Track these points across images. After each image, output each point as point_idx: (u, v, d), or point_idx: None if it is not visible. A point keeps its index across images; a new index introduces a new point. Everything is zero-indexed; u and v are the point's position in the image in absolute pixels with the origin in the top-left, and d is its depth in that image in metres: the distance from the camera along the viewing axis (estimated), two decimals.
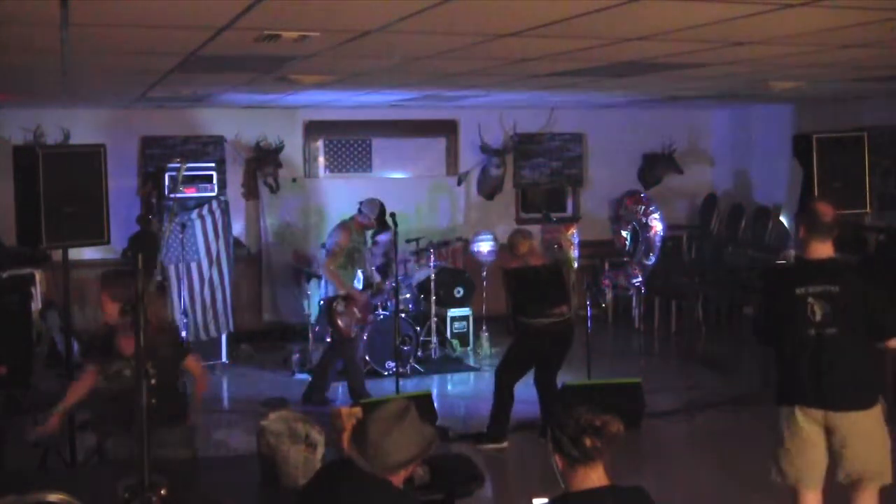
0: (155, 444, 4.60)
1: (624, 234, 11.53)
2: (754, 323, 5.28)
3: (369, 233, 8.83)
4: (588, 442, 2.96)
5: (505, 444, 7.15)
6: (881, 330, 4.71)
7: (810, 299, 4.59)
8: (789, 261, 8.78)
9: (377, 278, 8.71)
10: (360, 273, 8.71)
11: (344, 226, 8.29)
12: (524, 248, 7.18)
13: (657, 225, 11.17)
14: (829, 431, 4.65)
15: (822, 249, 4.67)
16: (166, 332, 4.82)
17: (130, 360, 4.59)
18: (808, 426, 4.66)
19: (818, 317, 4.58)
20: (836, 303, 4.58)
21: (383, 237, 9.25)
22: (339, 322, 8.02)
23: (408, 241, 10.15)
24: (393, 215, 7.98)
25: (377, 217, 8.25)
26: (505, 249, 7.55)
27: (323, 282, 8.49)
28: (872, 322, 4.64)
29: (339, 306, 8.05)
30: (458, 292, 10.34)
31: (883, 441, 4.70)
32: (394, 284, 8.23)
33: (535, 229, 9.92)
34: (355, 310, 8.10)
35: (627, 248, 11.48)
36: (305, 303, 9.75)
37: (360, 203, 8.35)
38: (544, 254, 7.62)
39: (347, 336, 8.07)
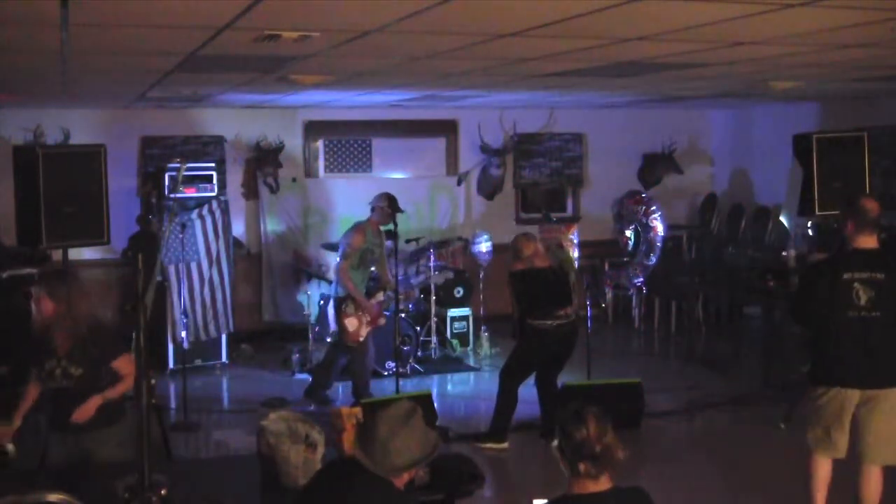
0: (92, 444, 4.62)
1: (627, 233, 11.53)
2: (792, 305, 5.53)
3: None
4: (583, 467, 2.98)
5: (505, 445, 7.13)
6: None
7: (856, 284, 4.91)
8: (790, 261, 8.78)
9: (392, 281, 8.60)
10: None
11: (359, 227, 8.14)
12: (529, 250, 7.17)
13: (658, 225, 11.18)
14: (861, 405, 4.95)
15: (869, 241, 5.00)
16: (100, 333, 4.69)
17: (61, 359, 4.58)
18: (847, 405, 4.96)
19: (863, 301, 4.89)
20: (880, 289, 4.90)
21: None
22: (346, 324, 7.97)
23: (408, 241, 10.15)
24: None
25: (389, 205, 8.04)
26: (509, 252, 7.51)
27: (334, 282, 8.38)
28: None
29: (349, 308, 7.97)
30: (458, 292, 10.35)
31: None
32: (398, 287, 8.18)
33: (534, 229, 9.93)
34: (363, 313, 8.07)
35: (630, 248, 11.48)
36: (305, 302, 9.74)
37: (370, 203, 8.30)
38: (547, 255, 7.60)
39: (355, 341, 8.00)
